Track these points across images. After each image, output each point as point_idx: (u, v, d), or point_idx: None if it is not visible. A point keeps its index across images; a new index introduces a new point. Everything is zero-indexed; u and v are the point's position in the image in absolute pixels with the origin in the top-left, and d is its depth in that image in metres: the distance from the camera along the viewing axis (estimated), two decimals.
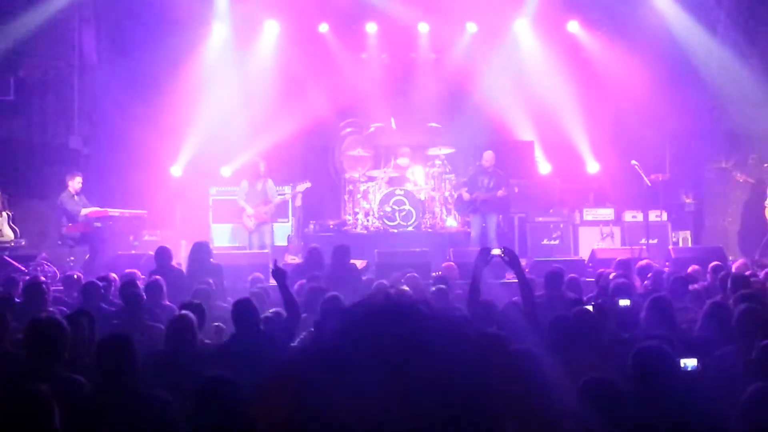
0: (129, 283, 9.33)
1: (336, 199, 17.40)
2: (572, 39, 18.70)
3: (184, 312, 7.03)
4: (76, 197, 14.92)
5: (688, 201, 17.53)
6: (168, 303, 9.20)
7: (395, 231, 15.66)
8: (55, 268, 14.05)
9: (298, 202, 17.13)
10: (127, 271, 11.17)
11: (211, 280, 9.77)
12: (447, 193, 16.63)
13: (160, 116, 16.84)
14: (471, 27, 18.56)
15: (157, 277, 9.81)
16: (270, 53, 17.85)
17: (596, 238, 16.31)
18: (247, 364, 5.87)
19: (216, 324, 8.12)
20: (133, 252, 14.85)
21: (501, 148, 16.45)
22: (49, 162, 16.56)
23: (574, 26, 18.62)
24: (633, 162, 15.42)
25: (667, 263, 13.56)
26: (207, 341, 7.38)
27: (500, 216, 15.88)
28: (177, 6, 16.57)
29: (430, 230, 15.99)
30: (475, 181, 15.77)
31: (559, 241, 16.39)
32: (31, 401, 4.30)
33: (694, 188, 17.91)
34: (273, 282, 8.30)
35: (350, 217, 16.53)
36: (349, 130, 17.23)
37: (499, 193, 15.57)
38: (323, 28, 18.18)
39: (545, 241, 16.36)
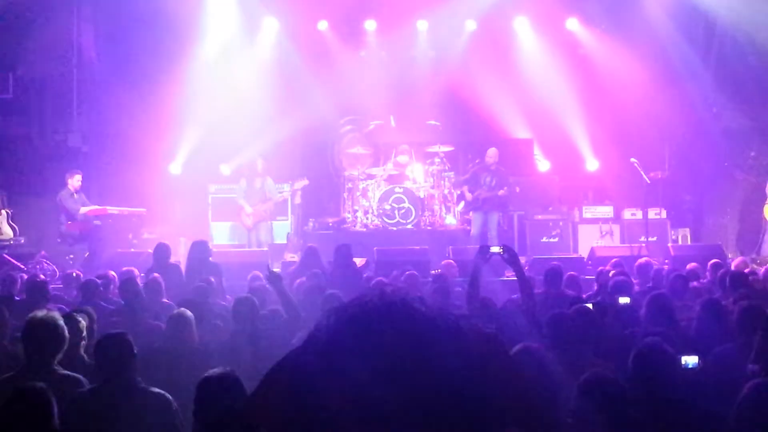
0: (128, 280, 9.32)
1: (335, 197, 17.38)
2: (571, 36, 18.70)
3: (182, 310, 7.03)
4: (75, 195, 14.93)
5: (687, 199, 17.53)
6: (167, 301, 9.19)
7: (394, 229, 15.65)
8: (54, 266, 14.05)
9: (298, 200, 17.13)
10: (126, 268, 11.16)
11: (211, 278, 9.76)
12: (446, 191, 16.62)
13: (159, 114, 16.84)
14: (470, 24, 18.56)
15: (156, 275, 9.80)
16: (269, 51, 17.85)
17: (595, 235, 16.31)
18: (247, 361, 5.87)
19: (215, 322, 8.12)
20: (133, 250, 14.84)
21: (500, 146, 16.44)
22: (48, 160, 16.56)
23: (573, 23, 18.62)
24: (632, 159, 15.42)
25: (666, 261, 13.56)
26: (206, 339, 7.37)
27: (501, 214, 15.88)
28: (175, 4, 16.54)
29: (429, 228, 15.97)
30: (477, 179, 15.78)
31: (559, 238, 16.40)
32: (30, 399, 4.30)
33: (693, 186, 17.91)
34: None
35: (349, 215, 16.52)
36: (348, 128, 17.21)
37: (501, 192, 15.58)
38: (322, 25, 18.18)
39: (544, 239, 16.36)
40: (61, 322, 5.61)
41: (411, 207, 15.86)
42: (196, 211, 17.36)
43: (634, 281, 10.38)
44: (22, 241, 14.92)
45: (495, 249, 7.38)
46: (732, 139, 17.34)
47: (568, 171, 18.20)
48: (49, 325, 5.52)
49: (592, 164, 18.46)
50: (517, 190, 16.17)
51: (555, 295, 9.12)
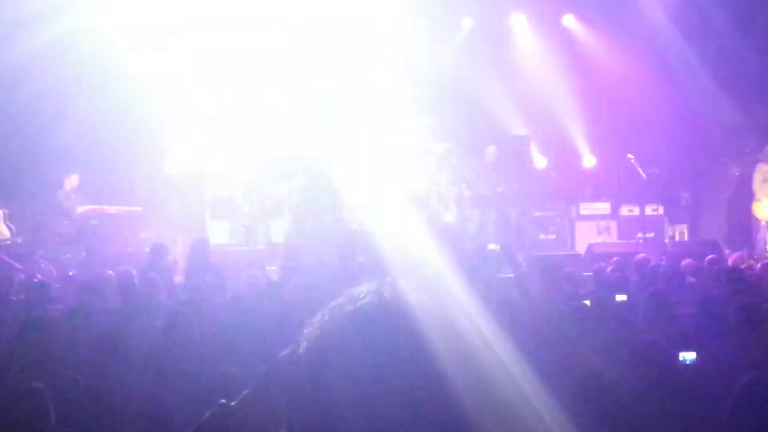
0: (125, 280, 9.32)
1: (333, 195, 17.32)
2: (568, 33, 18.70)
3: (179, 309, 7.03)
4: (72, 195, 14.92)
5: (684, 195, 17.53)
6: (163, 300, 9.19)
7: (391, 226, 15.61)
8: (51, 266, 14.02)
9: (295, 199, 17.11)
10: (124, 268, 11.15)
11: (207, 278, 9.76)
12: (444, 189, 16.61)
13: (156, 113, 16.80)
14: (467, 22, 18.55)
15: (153, 274, 9.79)
16: (264, 46, 17.80)
17: (593, 232, 16.31)
18: (244, 360, 5.87)
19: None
20: (129, 250, 14.83)
21: (497, 143, 16.44)
22: (45, 160, 16.51)
23: (569, 20, 18.61)
24: (629, 156, 15.42)
25: (663, 257, 13.57)
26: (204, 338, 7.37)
27: (498, 211, 15.88)
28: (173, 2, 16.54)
29: (426, 225, 15.93)
30: (476, 177, 15.78)
31: (556, 235, 16.42)
32: (27, 399, 4.30)
33: (690, 182, 17.91)
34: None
35: (347, 213, 16.49)
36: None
37: (499, 189, 15.60)
38: (320, 22, 18.12)
39: (542, 236, 16.38)
40: (57, 323, 5.61)
41: (408, 205, 15.83)
42: (194, 210, 17.34)
43: (632, 278, 10.38)
44: (19, 241, 14.89)
45: (492, 246, 7.39)
46: (729, 135, 17.34)
47: (566, 168, 18.20)
48: (46, 326, 5.52)
49: (589, 161, 18.46)
50: (516, 187, 16.16)
51: (552, 291, 9.12)
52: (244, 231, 16.05)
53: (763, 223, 14.91)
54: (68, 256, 14.57)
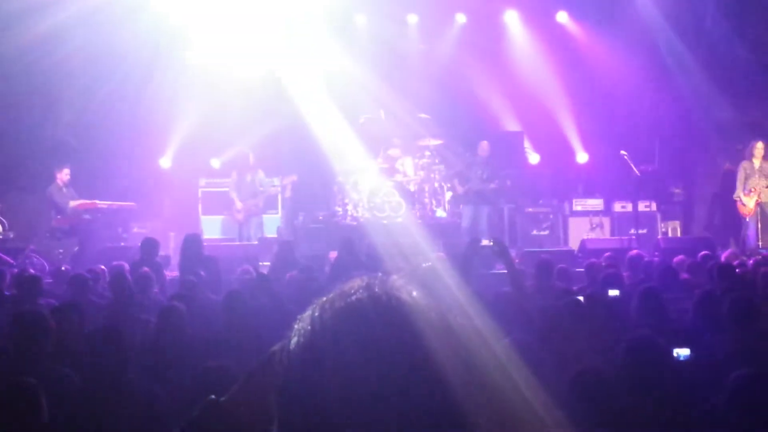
0: (117, 275, 9.30)
1: (326, 191, 17.36)
2: (561, 30, 18.70)
3: (173, 303, 7.01)
4: (64, 189, 14.90)
5: (677, 191, 17.56)
6: (157, 295, 9.17)
7: (385, 222, 15.62)
8: (43, 261, 14.00)
9: (288, 194, 17.12)
10: (116, 263, 11.14)
11: (202, 272, 9.73)
12: (436, 184, 16.63)
13: (149, 107, 16.80)
14: (460, 18, 18.56)
15: (146, 269, 9.77)
16: (259, 44, 17.78)
17: (586, 228, 16.33)
18: (237, 355, 5.86)
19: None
20: (122, 244, 14.82)
21: (490, 139, 16.44)
22: (37, 154, 16.49)
23: (563, 17, 18.62)
24: (622, 152, 15.42)
25: (656, 253, 13.59)
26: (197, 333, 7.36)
27: (491, 207, 15.89)
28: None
29: (419, 221, 15.96)
30: (469, 172, 15.80)
31: (549, 231, 16.43)
32: (19, 394, 4.28)
33: (683, 178, 17.94)
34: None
35: (340, 209, 16.51)
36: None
37: (492, 185, 15.62)
38: (313, 19, 18.10)
39: (535, 232, 16.40)
40: (47, 317, 5.59)
41: (401, 200, 15.85)
42: (186, 205, 17.35)
43: (625, 274, 10.40)
44: (12, 235, 14.87)
45: (486, 242, 7.39)
46: (721, 132, 17.36)
47: (559, 164, 18.23)
48: (37, 320, 5.50)
49: (582, 157, 18.48)
50: (508, 183, 16.18)
51: (545, 287, 9.12)
52: (238, 226, 16.05)
53: (748, 219, 14.94)
54: (60, 251, 14.55)
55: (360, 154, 16.54)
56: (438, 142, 16.71)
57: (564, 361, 5.07)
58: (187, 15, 17.04)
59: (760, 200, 14.71)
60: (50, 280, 11.47)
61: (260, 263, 13.37)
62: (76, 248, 14.43)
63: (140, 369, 5.98)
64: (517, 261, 11.33)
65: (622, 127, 17.45)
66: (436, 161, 16.68)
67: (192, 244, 11.08)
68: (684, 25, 17.36)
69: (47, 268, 13.49)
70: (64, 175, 14.90)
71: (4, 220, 14.87)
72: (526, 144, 18.58)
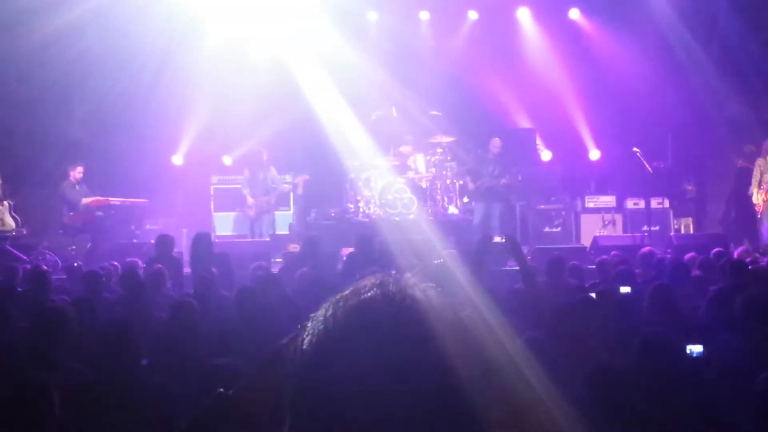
0: (129, 271, 9.32)
1: (337, 188, 17.37)
2: (573, 26, 18.66)
3: (186, 299, 7.03)
4: (77, 186, 14.94)
5: (689, 188, 17.50)
6: (170, 292, 9.19)
7: (397, 219, 15.62)
8: (56, 257, 14.05)
9: (300, 191, 17.13)
10: (129, 260, 11.17)
11: (214, 270, 9.74)
12: (448, 181, 16.61)
13: (161, 105, 16.82)
14: (472, 15, 18.54)
15: (159, 265, 9.80)
16: (270, 41, 17.78)
17: (598, 225, 16.30)
18: (249, 351, 5.87)
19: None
20: (135, 241, 14.86)
21: (502, 136, 16.41)
22: (50, 151, 16.53)
23: (575, 13, 18.58)
24: (635, 149, 15.39)
25: (668, 250, 13.55)
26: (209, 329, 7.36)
27: (503, 204, 15.87)
28: None
29: (431, 218, 15.94)
30: (480, 169, 15.79)
31: (561, 228, 16.40)
32: (30, 390, 4.30)
33: (695, 175, 17.88)
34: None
35: (352, 206, 16.52)
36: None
37: (504, 180, 15.60)
38: (325, 17, 18.11)
39: (547, 229, 16.37)
40: (70, 313, 5.61)
41: (413, 197, 15.85)
42: (199, 202, 17.40)
43: (637, 271, 10.37)
44: (25, 232, 14.92)
45: (497, 239, 7.38)
46: (734, 129, 17.30)
47: (571, 161, 18.19)
48: (58, 316, 5.52)
49: (594, 154, 18.43)
50: (520, 178, 16.15)
51: (557, 284, 9.11)
52: (250, 222, 16.07)
53: (760, 215, 14.86)
54: (73, 247, 14.60)
55: (372, 151, 16.53)
56: (450, 139, 16.70)
57: (576, 358, 5.06)
58: (199, 12, 17.03)
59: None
60: (63, 277, 11.51)
61: (273, 260, 13.42)
62: (89, 245, 14.48)
63: (152, 365, 6.00)
64: (528, 258, 11.31)
65: (635, 124, 17.38)
66: (448, 158, 16.67)
67: (201, 242, 11.10)
68: (696, 22, 17.29)
69: (60, 264, 13.54)
70: (77, 172, 14.95)
71: (17, 217, 14.92)
72: (538, 141, 18.55)
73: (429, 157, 16.73)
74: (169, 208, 17.31)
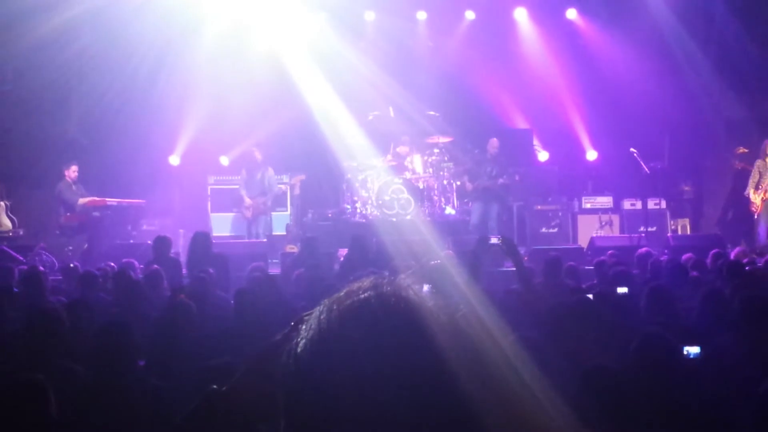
0: (121, 272, 9.33)
1: (334, 188, 17.37)
2: (571, 27, 18.67)
3: (182, 300, 7.02)
4: (74, 187, 14.92)
5: (686, 189, 17.53)
6: (167, 292, 9.18)
7: (394, 219, 15.61)
8: (53, 258, 14.04)
9: (297, 191, 17.13)
10: (126, 260, 11.16)
11: (211, 270, 9.73)
12: (445, 182, 16.61)
13: (158, 105, 16.82)
14: (469, 15, 18.55)
15: (157, 266, 9.79)
16: (268, 41, 17.78)
17: (595, 226, 16.31)
18: (246, 352, 5.85)
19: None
20: (132, 241, 14.85)
21: (499, 136, 16.41)
22: (47, 152, 16.52)
23: (572, 14, 18.60)
24: (632, 150, 15.40)
25: (666, 251, 13.56)
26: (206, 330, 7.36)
27: (500, 205, 15.87)
28: None
29: (428, 219, 15.94)
30: (479, 169, 15.80)
31: (558, 229, 16.40)
32: (26, 390, 4.29)
33: (692, 176, 17.91)
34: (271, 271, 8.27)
35: (349, 206, 16.51)
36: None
37: (501, 181, 15.61)
38: (320, 16, 18.12)
39: (544, 229, 16.37)
40: (63, 315, 5.60)
41: (410, 198, 15.84)
42: (196, 202, 17.40)
43: (634, 272, 10.37)
44: (21, 233, 14.91)
45: (494, 240, 7.38)
46: (731, 129, 17.33)
47: (568, 161, 18.21)
48: (51, 318, 5.51)
49: (591, 154, 18.46)
50: (517, 178, 16.16)
51: (554, 285, 9.11)
52: (247, 223, 16.08)
53: (757, 216, 14.88)
54: (70, 248, 14.59)
55: (369, 152, 16.53)
56: (447, 139, 16.69)
57: (573, 359, 5.06)
58: (195, 13, 17.01)
59: (766, 198, 14.66)
60: (59, 277, 11.50)
61: (270, 261, 13.41)
62: (86, 245, 14.46)
63: (149, 366, 5.99)
64: (525, 259, 11.32)
65: (632, 125, 17.40)
66: (445, 158, 16.67)
67: (201, 242, 11.10)
68: (694, 22, 17.31)
69: (57, 265, 13.52)
70: (72, 172, 14.93)
71: (13, 217, 14.91)
72: (535, 141, 18.58)
73: (426, 158, 16.73)
74: (166, 209, 17.30)
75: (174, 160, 18.05)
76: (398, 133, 16.93)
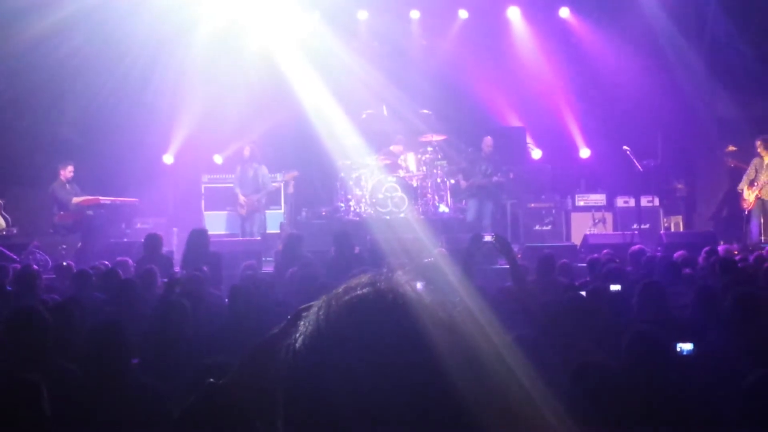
0: (111, 271, 9.34)
1: (328, 187, 17.37)
2: (564, 25, 18.69)
3: (175, 298, 7.01)
4: (68, 185, 14.90)
5: (679, 186, 17.56)
6: (161, 291, 9.17)
7: (387, 218, 15.61)
8: (47, 257, 14.01)
9: (291, 190, 17.11)
10: (119, 259, 11.15)
11: (205, 268, 9.73)
12: (439, 180, 16.61)
13: (151, 104, 16.80)
14: (462, 14, 18.56)
15: (151, 265, 9.79)
16: (261, 40, 17.76)
17: (588, 223, 16.34)
18: (241, 350, 5.85)
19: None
20: (126, 240, 14.83)
21: (493, 134, 16.42)
22: (41, 151, 16.50)
23: (565, 12, 18.62)
24: (625, 147, 15.43)
25: (659, 248, 13.59)
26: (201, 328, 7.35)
27: (494, 203, 15.89)
28: None
29: (422, 217, 15.93)
30: (473, 167, 15.81)
31: (552, 226, 16.42)
32: (20, 390, 4.29)
33: (685, 174, 17.94)
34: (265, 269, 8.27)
35: (342, 205, 16.51)
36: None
37: (495, 179, 15.63)
38: (315, 16, 18.11)
39: (537, 227, 16.39)
40: (44, 314, 5.58)
41: (404, 196, 15.83)
42: (189, 200, 17.38)
43: (627, 269, 10.39)
44: (15, 231, 14.87)
45: (487, 238, 7.38)
46: (723, 128, 17.36)
47: (561, 159, 18.22)
48: (33, 316, 5.50)
49: (584, 152, 18.48)
50: (511, 176, 16.17)
51: (548, 282, 9.13)
52: (241, 221, 16.07)
53: (748, 212, 14.90)
54: (64, 246, 14.56)
55: (362, 150, 16.52)
56: (440, 137, 16.69)
57: (566, 357, 5.08)
58: (189, 11, 16.98)
59: (760, 195, 14.69)
60: (53, 276, 11.48)
61: (264, 259, 13.41)
62: (80, 244, 14.44)
63: (142, 364, 5.99)
64: (519, 256, 11.33)
65: (625, 123, 17.43)
66: (439, 157, 16.67)
67: (198, 239, 11.08)
68: (686, 21, 17.35)
69: (50, 263, 13.50)
70: (67, 171, 14.90)
71: (7, 216, 14.88)
72: (529, 139, 18.58)
73: (420, 156, 16.72)
74: (160, 207, 17.29)
75: (168, 158, 18.03)
76: (391, 131, 16.93)
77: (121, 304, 8.17)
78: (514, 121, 18.69)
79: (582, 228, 16.11)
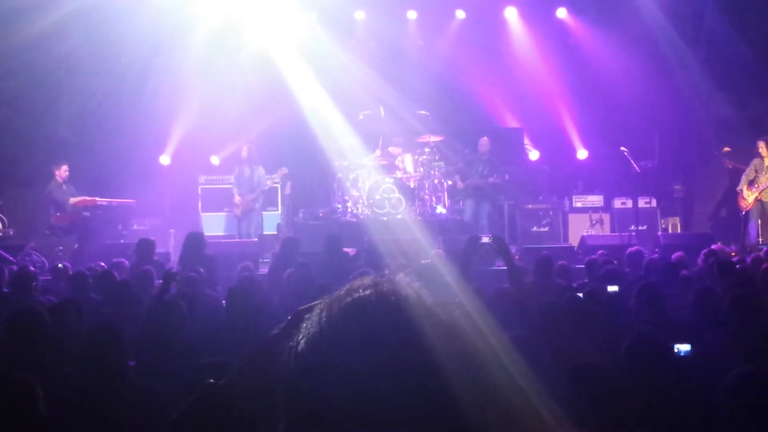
0: (106, 273, 9.33)
1: (326, 188, 17.35)
2: (561, 26, 18.70)
3: (172, 300, 7.00)
4: (64, 186, 14.88)
5: (677, 188, 17.56)
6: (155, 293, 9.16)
7: (385, 219, 15.59)
8: (43, 258, 13.99)
9: (288, 191, 17.11)
10: (116, 260, 11.13)
11: (201, 270, 9.72)
12: (436, 181, 16.61)
13: (148, 105, 16.78)
14: (459, 14, 18.56)
15: (148, 267, 9.77)
16: (258, 40, 17.76)
17: (586, 224, 16.34)
18: (237, 351, 5.85)
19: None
20: (122, 241, 14.81)
21: (490, 135, 16.42)
22: (37, 151, 16.48)
23: (562, 13, 18.63)
24: (622, 149, 15.42)
25: (656, 249, 13.59)
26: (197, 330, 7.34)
27: (491, 204, 15.89)
28: None
29: (419, 218, 15.92)
30: (470, 168, 15.81)
31: (549, 227, 16.42)
32: (15, 390, 4.28)
33: (683, 175, 17.94)
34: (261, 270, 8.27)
35: (340, 206, 16.49)
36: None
37: (492, 180, 15.63)
38: (311, 16, 18.11)
39: (535, 228, 16.39)
40: (44, 316, 5.57)
41: (401, 197, 15.82)
42: (186, 202, 17.37)
43: (626, 270, 10.39)
44: (11, 232, 14.86)
45: (485, 239, 7.37)
46: (721, 128, 17.36)
47: (558, 160, 18.23)
48: (34, 317, 5.49)
49: (582, 153, 18.49)
50: (507, 177, 16.17)
51: (545, 284, 9.13)
52: (237, 222, 16.05)
53: (745, 212, 14.91)
54: (60, 248, 14.55)
55: (359, 151, 16.51)
56: (437, 138, 16.68)
57: (564, 358, 5.07)
58: (186, 12, 16.97)
59: (760, 197, 14.69)
60: (50, 278, 11.46)
61: (261, 260, 13.40)
62: (76, 245, 14.42)
63: (139, 366, 5.98)
64: (516, 258, 11.33)
65: (622, 124, 17.44)
66: (436, 158, 16.66)
67: (195, 241, 11.07)
68: (683, 21, 17.36)
69: (47, 265, 13.48)
70: (62, 171, 14.88)
71: (3, 218, 14.87)
72: (526, 140, 18.59)
73: (417, 157, 16.71)
74: (157, 209, 17.27)
75: (165, 159, 18.02)
76: (389, 132, 16.91)
77: (118, 305, 8.15)
78: (512, 122, 18.70)
79: (579, 229, 16.11)
